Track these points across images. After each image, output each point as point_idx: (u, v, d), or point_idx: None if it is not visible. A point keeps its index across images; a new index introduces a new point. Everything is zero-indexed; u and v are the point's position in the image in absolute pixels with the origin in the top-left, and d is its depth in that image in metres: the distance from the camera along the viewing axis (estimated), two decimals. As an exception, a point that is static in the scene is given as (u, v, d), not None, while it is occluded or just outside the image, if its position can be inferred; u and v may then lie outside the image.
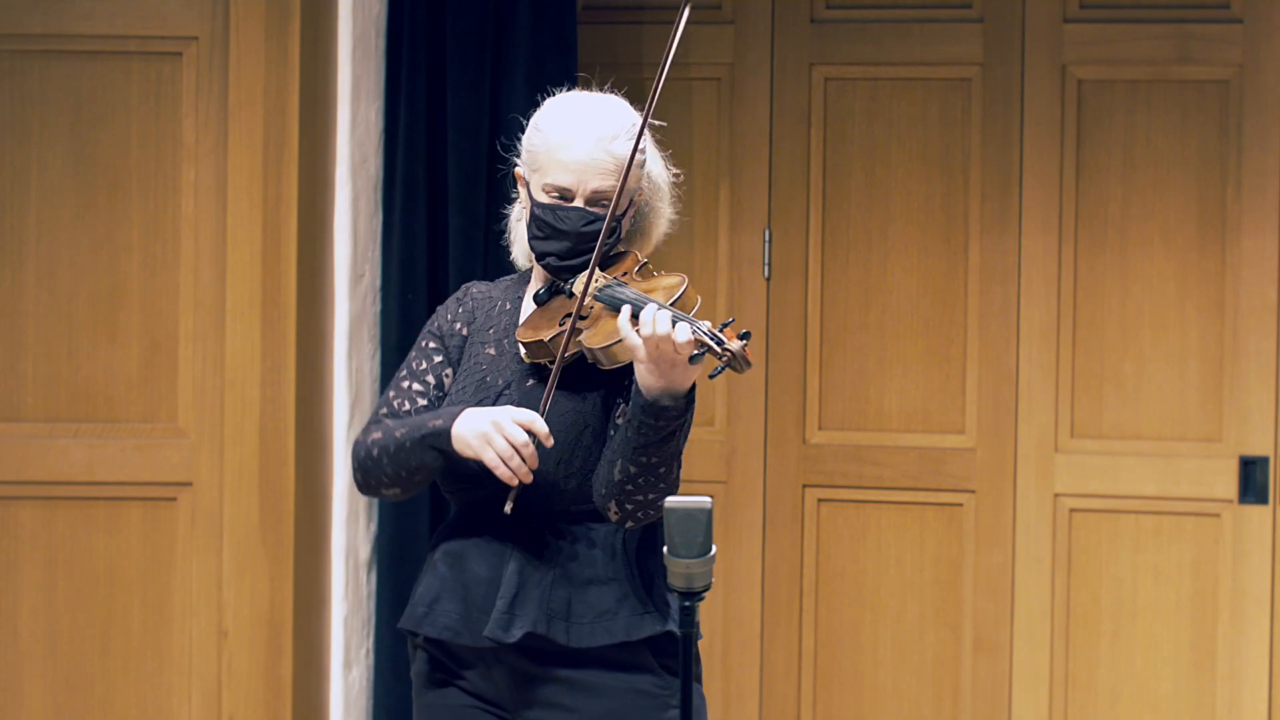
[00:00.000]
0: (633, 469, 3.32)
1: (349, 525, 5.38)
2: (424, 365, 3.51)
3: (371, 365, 5.44)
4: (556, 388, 3.38)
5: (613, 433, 3.40)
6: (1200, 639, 5.42)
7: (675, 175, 3.64)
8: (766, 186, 5.63)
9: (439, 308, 3.59)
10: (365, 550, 5.43)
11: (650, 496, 3.35)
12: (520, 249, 3.58)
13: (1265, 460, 5.38)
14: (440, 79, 5.40)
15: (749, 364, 3.24)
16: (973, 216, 5.54)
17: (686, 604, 3.09)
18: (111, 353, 5.20)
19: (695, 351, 3.23)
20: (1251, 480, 5.39)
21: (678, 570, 3.06)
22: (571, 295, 3.43)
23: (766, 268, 5.62)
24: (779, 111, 5.64)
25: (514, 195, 3.60)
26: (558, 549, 3.41)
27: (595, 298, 3.38)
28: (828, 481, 5.61)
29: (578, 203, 3.43)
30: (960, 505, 5.55)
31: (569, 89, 3.63)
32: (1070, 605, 5.49)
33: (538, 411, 3.33)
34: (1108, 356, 5.49)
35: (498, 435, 3.30)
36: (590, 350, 3.34)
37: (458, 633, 3.44)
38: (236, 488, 5.18)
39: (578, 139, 3.44)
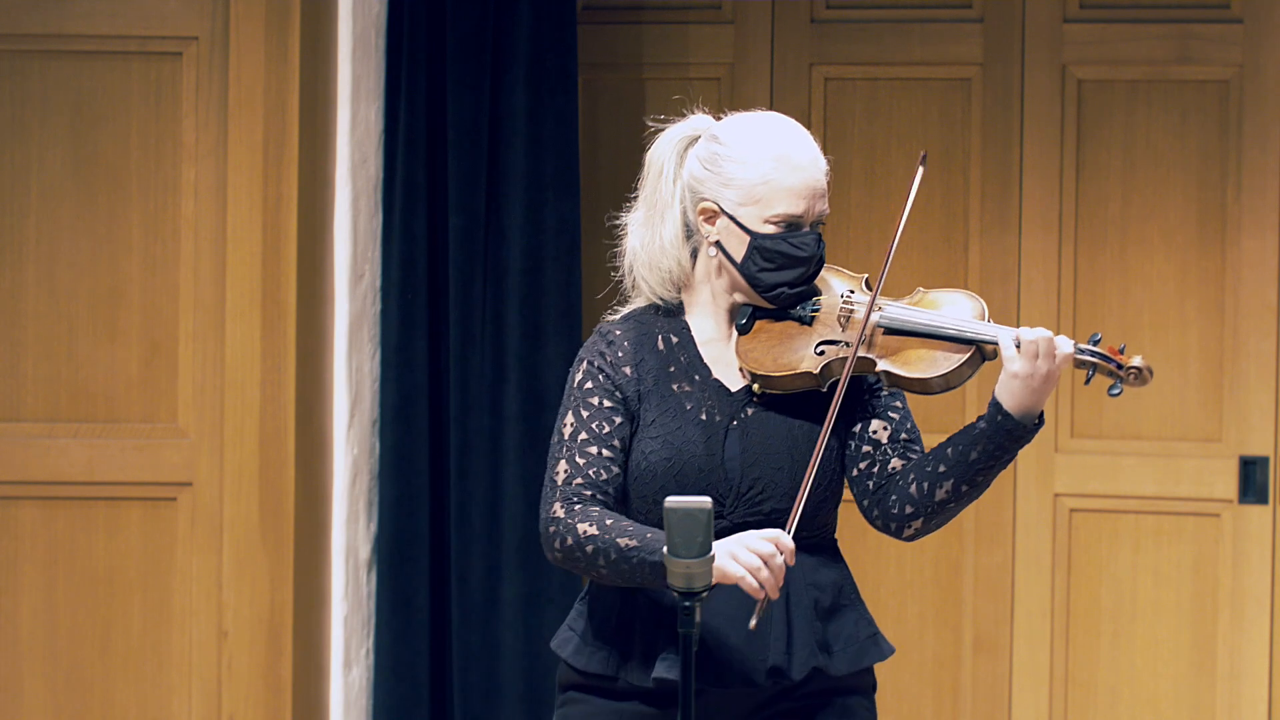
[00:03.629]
0: (964, 488, 3.31)
1: (349, 525, 5.38)
2: (607, 428, 3.35)
3: (371, 365, 5.44)
4: (796, 415, 3.33)
5: (870, 449, 3.37)
6: (1200, 639, 5.43)
7: None
8: (766, 186, 5.63)
9: (586, 355, 3.42)
10: (365, 550, 5.43)
11: (958, 511, 3.35)
12: (668, 283, 3.43)
13: (1265, 460, 5.38)
14: (440, 79, 5.41)
15: (1151, 374, 3.31)
16: (973, 216, 5.54)
17: (687, 604, 3.09)
18: (111, 353, 5.20)
19: (1089, 373, 3.32)
20: (1251, 480, 5.39)
21: (678, 570, 3.06)
22: (807, 321, 3.36)
23: (766, 268, 5.62)
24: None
25: (617, 225, 3.50)
26: (807, 580, 3.36)
27: (880, 323, 3.34)
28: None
29: (806, 229, 3.38)
30: (960, 505, 5.55)
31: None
32: (1070, 605, 5.49)
33: (817, 449, 3.26)
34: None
35: (744, 551, 3.19)
36: (911, 379, 3.30)
37: (720, 678, 3.31)
38: (236, 488, 5.18)
39: (801, 165, 3.37)
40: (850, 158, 5.61)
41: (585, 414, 3.35)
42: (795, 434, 3.35)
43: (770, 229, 3.36)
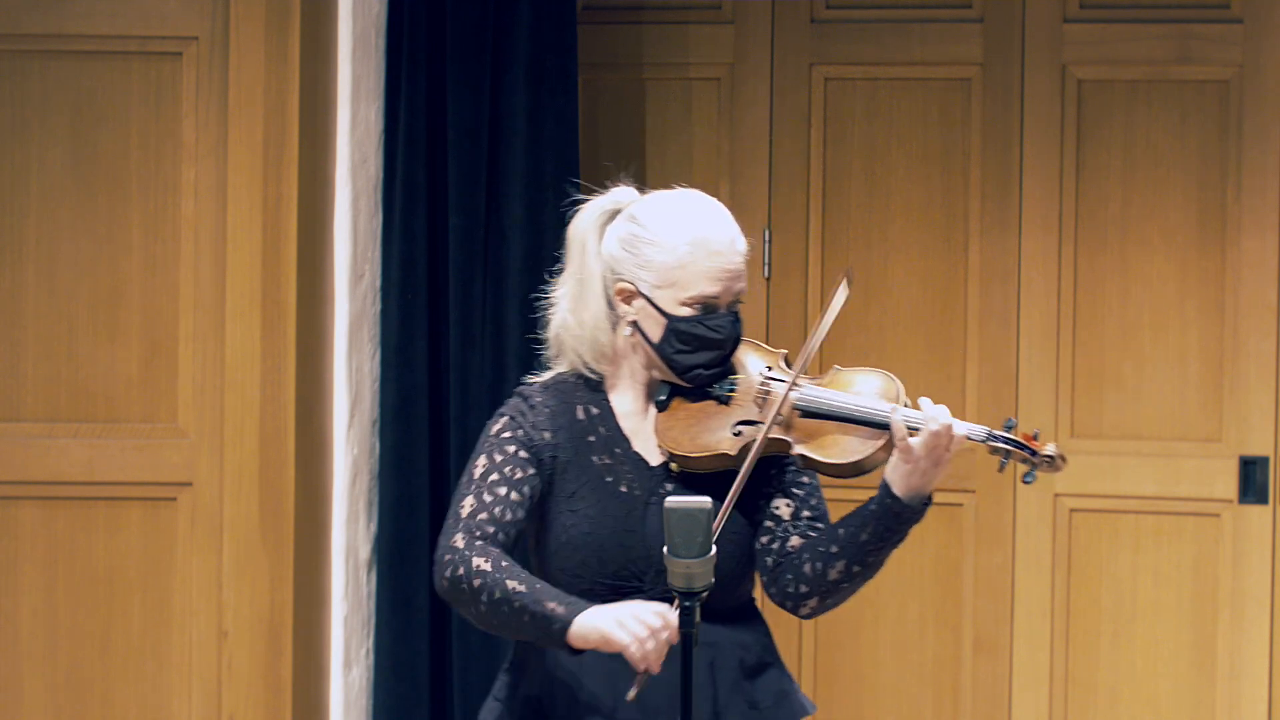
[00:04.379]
0: (856, 568, 3.32)
1: (349, 525, 5.38)
2: (519, 474, 3.36)
3: (371, 365, 5.44)
4: (711, 490, 3.28)
5: (771, 524, 3.39)
6: (1200, 639, 5.43)
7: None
8: (766, 186, 5.63)
9: (507, 412, 3.43)
10: (365, 550, 5.43)
11: (855, 591, 3.36)
12: (595, 354, 3.43)
13: (1265, 460, 5.38)
14: (440, 79, 5.41)
15: (1065, 461, 3.32)
16: (973, 216, 5.54)
17: (687, 604, 3.09)
18: (111, 353, 5.20)
19: (1002, 460, 3.31)
20: (1251, 480, 5.39)
21: (678, 570, 3.07)
22: (724, 401, 3.38)
23: (767, 268, 5.62)
24: (779, 111, 5.64)
25: (548, 286, 3.51)
26: (733, 640, 3.38)
27: (797, 406, 3.35)
28: (827, 482, 5.59)
29: (722, 310, 3.38)
30: (960, 505, 5.55)
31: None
32: (1070, 605, 5.49)
33: (717, 521, 3.23)
34: (1108, 356, 5.49)
35: (632, 620, 3.18)
36: (826, 464, 3.32)
37: None
38: (236, 488, 5.18)
39: (718, 249, 3.37)
40: (850, 158, 5.61)
41: (498, 458, 3.37)
42: (734, 510, 3.34)
43: (686, 311, 3.36)
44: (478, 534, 3.31)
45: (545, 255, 5.42)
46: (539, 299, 3.55)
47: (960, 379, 5.55)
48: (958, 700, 5.56)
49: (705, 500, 3.07)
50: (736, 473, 3.32)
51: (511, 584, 3.26)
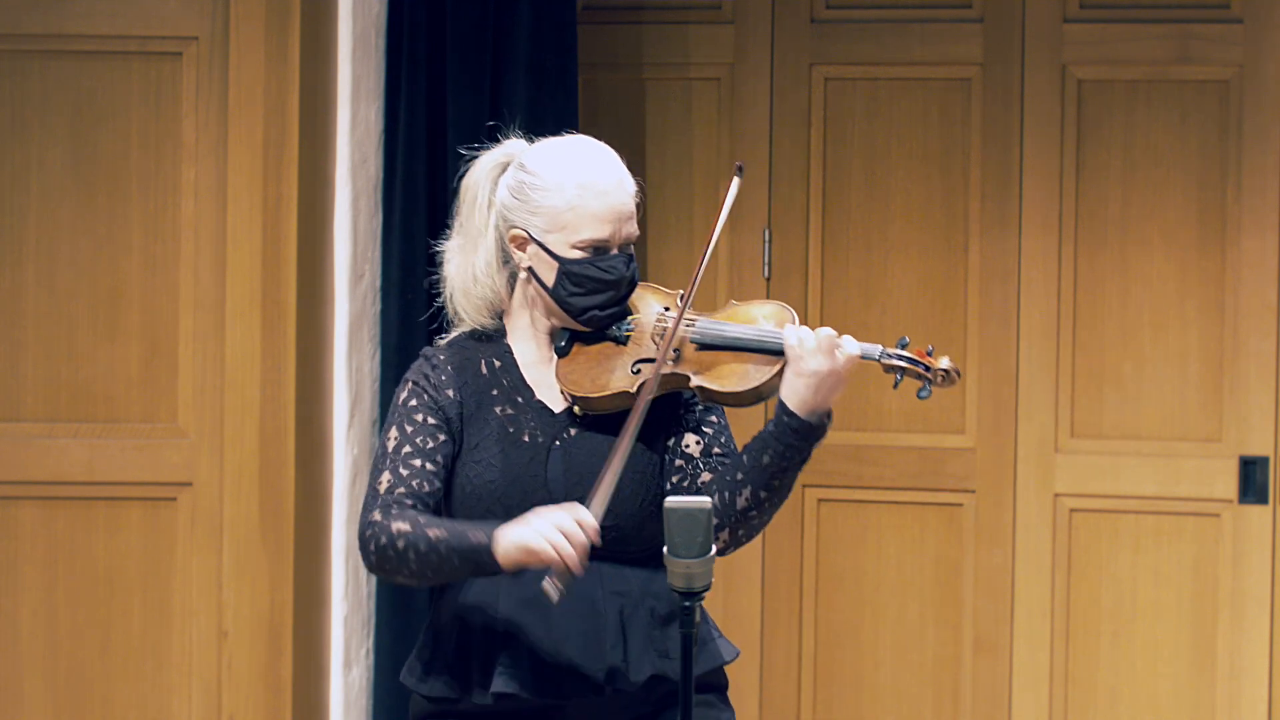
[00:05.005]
0: (762, 494, 3.33)
1: (349, 525, 5.38)
2: (430, 444, 3.39)
3: (371, 365, 5.44)
4: (617, 433, 3.32)
5: (682, 463, 3.41)
6: (1200, 639, 5.43)
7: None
8: (766, 186, 5.63)
9: (411, 376, 3.46)
10: (365, 550, 5.43)
11: (765, 519, 3.37)
12: (487, 309, 3.46)
13: (1265, 460, 5.38)
14: (440, 79, 5.41)
15: (959, 375, 3.33)
16: (973, 216, 5.55)
17: (687, 604, 3.10)
18: (111, 353, 5.20)
19: (896, 377, 3.33)
20: (1251, 480, 5.39)
21: (678, 570, 3.07)
22: (622, 341, 3.40)
23: (766, 268, 5.62)
24: (779, 111, 5.64)
25: (438, 252, 3.52)
26: (643, 590, 3.39)
27: (693, 339, 3.37)
28: (828, 481, 5.60)
29: (614, 251, 3.40)
30: (960, 505, 5.55)
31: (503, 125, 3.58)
32: (1070, 605, 5.49)
33: (614, 455, 3.27)
34: (1108, 356, 5.49)
35: (549, 528, 3.21)
36: (724, 393, 3.33)
37: (560, 688, 3.35)
38: (236, 488, 5.18)
39: (605, 190, 3.40)
40: (850, 158, 5.61)
41: (409, 429, 3.39)
42: (636, 449, 3.36)
43: (578, 254, 3.39)
44: (394, 508, 3.34)
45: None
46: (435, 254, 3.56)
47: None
48: (958, 700, 5.56)
49: (705, 500, 3.08)
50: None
51: (433, 532, 3.28)
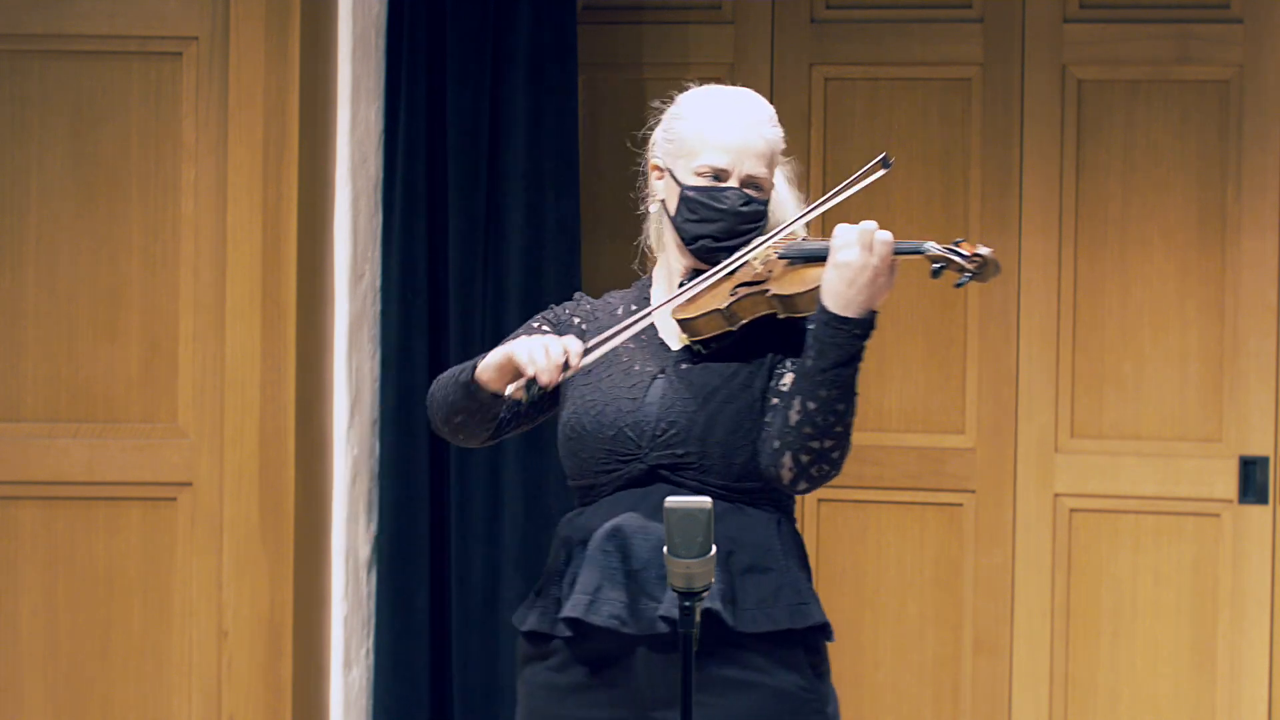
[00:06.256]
0: (811, 405, 3.28)
1: (349, 525, 5.38)
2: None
3: (371, 365, 5.44)
4: (721, 359, 3.37)
5: (776, 400, 3.37)
6: (1200, 639, 5.43)
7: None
8: (766, 186, 5.63)
9: (552, 306, 3.57)
10: (365, 550, 5.43)
11: (827, 444, 3.30)
12: (663, 244, 3.52)
13: (1265, 460, 5.38)
14: (440, 79, 5.41)
15: (998, 268, 3.28)
16: (973, 216, 5.55)
17: (686, 604, 3.10)
18: (111, 353, 5.20)
19: (935, 267, 3.29)
20: (1251, 480, 5.39)
21: (678, 570, 3.07)
22: (732, 272, 3.40)
23: (766, 268, 5.62)
24: (779, 111, 5.59)
25: (644, 195, 3.57)
26: (726, 534, 3.33)
27: (781, 255, 3.38)
28: (827, 482, 5.60)
29: (732, 183, 3.43)
30: (960, 505, 5.55)
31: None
32: (1070, 605, 5.49)
33: (603, 341, 3.33)
34: (1108, 356, 5.49)
35: (536, 343, 3.27)
36: (787, 297, 3.33)
37: (624, 621, 3.33)
38: (236, 488, 5.18)
39: (732, 122, 3.44)
40: (850, 158, 5.61)
41: (519, 332, 3.49)
42: (714, 383, 3.38)
43: (697, 180, 3.43)
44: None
45: (545, 255, 5.42)
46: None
47: (960, 379, 5.55)
48: (958, 700, 5.56)
49: (705, 500, 3.07)
50: (755, 352, 3.37)
51: (455, 369, 3.44)
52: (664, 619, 3.30)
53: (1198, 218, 5.44)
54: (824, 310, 3.28)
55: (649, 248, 3.58)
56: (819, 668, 3.41)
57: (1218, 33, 5.41)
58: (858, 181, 3.48)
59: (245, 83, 5.16)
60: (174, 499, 5.20)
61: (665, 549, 3.08)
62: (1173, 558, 5.45)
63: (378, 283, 5.44)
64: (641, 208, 3.59)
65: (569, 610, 3.34)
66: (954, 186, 5.57)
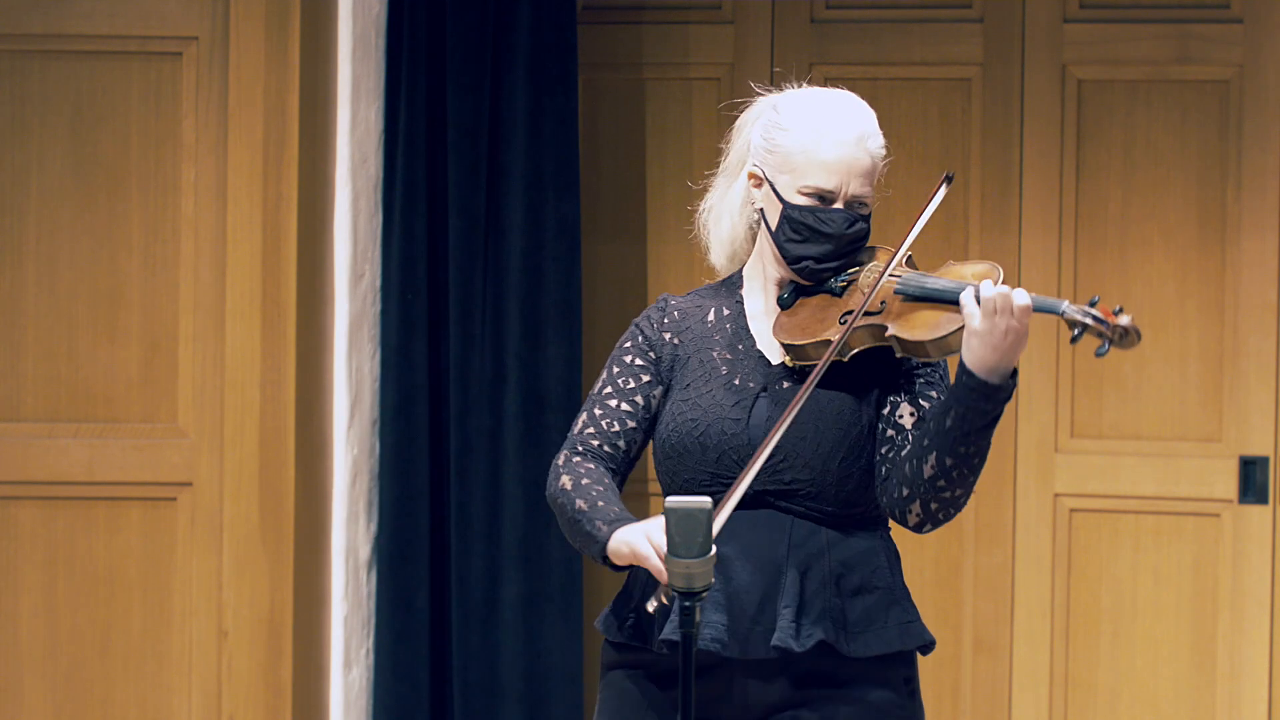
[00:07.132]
0: (949, 461, 3.25)
1: (349, 525, 5.39)
2: (632, 384, 3.41)
3: (371, 365, 5.44)
4: (830, 388, 3.31)
5: (893, 433, 3.33)
6: (1200, 639, 5.43)
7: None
8: (766, 186, 5.63)
9: (638, 320, 3.49)
10: (365, 550, 5.43)
11: (958, 493, 3.28)
12: (724, 248, 3.48)
13: (1265, 460, 5.38)
14: (440, 79, 5.41)
15: (1139, 336, 3.23)
16: (973, 216, 5.54)
17: (687, 604, 3.09)
18: (111, 353, 5.20)
19: (1075, 332, 3.21)
20: (1251, 480, 5.39)
21: (678, 570, 3.07)
22: (839, 294, 3.37)
23: (766, 268, 5.62)
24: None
25: (705, 187, 3.51)
26: (830, 556, 3.33)
27: (898, 290, 3.32)
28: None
29: (838, 205, 3.37)
30: (960, 505, 5.55)
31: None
32: (1070, 605, 5.49)
33: (798, 398, 3.24)
34: (1107, 356, 5.48)
35: (658, 532, 3.18)
36: (911, 342, 3.28)
37: (725, 644, 3.30)
38: (236, 488, 5.18)
39: (840, 139, 3.38)
40: (850, 158, 5.60)
41: (615, 370, 3.43)
42: (825, 409, 3.33)
43: (801, 200, 3.37)
44: (579, 449, 3.38)
45: (545, 255, 5.42)
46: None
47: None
48: (958, 700, 5.56)
49: (705, 500, 3.07)
50: (859, 376, 3.32)
51: (579, 503, 3.32)
52: (776, 648, 3.27)
53: (1198, 218, 5.44)
54: (970, 375, 3.22)
55: (708, 245, 3.50)
56: (912, 683, 3.46)
57: (1217, 33, 5.41)
58: (930, 203, 3.42)
59: (245, 83, 5.16)
60: (174, 499, 5.20)
61: (665, 549, 3.08)
62: (1173, 558, 5.45)
63: (378, 283, 5.44)
64: (701, 203, 3.52)
65: (669, 633, 3.30)
66: (954, 187, 5.55)
